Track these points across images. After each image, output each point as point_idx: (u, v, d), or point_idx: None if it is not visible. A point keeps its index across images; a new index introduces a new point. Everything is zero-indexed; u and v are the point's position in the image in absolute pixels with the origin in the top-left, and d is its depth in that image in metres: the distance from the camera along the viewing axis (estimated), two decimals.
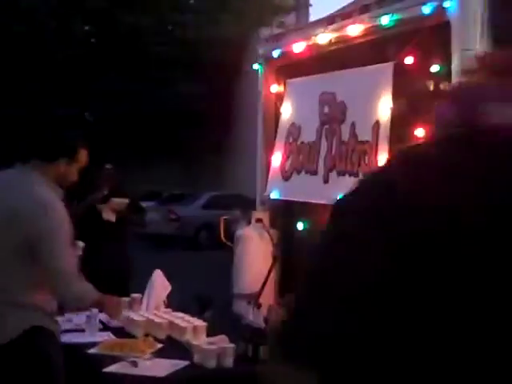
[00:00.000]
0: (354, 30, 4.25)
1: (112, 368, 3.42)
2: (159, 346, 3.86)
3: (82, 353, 3.77)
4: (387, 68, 3.92)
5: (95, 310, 4.25)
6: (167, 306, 4.72)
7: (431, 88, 3.68)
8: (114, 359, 3.62)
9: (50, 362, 3.21)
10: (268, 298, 4.82)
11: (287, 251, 4.86)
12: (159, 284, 4.72)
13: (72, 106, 24.71)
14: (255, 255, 4.87)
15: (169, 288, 4.75)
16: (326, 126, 4.43)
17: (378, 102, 3.98)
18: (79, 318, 4.20)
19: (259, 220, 4.93)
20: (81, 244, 3.66)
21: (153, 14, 25.06)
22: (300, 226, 4.67)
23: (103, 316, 4.26)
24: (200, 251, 16.14)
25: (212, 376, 3.40)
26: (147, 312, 4.50)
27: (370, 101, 4.05)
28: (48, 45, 24.38)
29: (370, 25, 4.13)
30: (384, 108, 3.93)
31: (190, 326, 4.03)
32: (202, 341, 3.90)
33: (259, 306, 4.62)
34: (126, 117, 25.47)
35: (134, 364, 3.44)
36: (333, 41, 4.45)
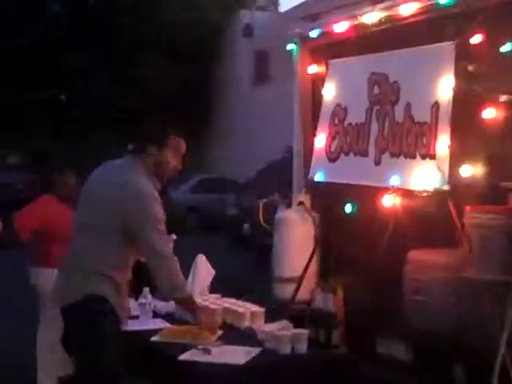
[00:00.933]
0: (408, 8, 4.17)
1: (185, 356, 3.33)
2: (220, 332, 3.78)
3: (144, 340, 3.68)
4: (449, 47, 3.85)
5: (149, 297, 4.17)
6: (210, 291, 4.64)
7: (502, 68, 3.62)
8: (178, 346, 3.54)
9: (98, 331, 3.32)
10: (310, 281, 4.77)
11: (330, 234, 4.81)
12: (203, 269, 4.63)
13: (43, 87, 24.37)
14: (297, 238, 4.79)
15: (213, 273, 4.66)
16: (377, 107, 4.35)
17: (437, 82, 3.91)
18: (131, 305, 4.09)
19: (301, 203, 4.86)
20: (174, 236, 3.63)
21: None
22: (347, 208, 4.60)
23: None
24: (189, 235, 16.00)
25: (289, 362, 3.33)
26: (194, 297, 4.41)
27: (428, 81, 3.98)
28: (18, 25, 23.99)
29: (426, 3, 4.06)
30: (445, 89, 3.87)
31: (248, 312, 3.96)
32: (261, 326, 3.83)
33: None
34: (100, 99, 25.10)
35: (207, 351, 3.36)
36: (382, 20, 4.37)
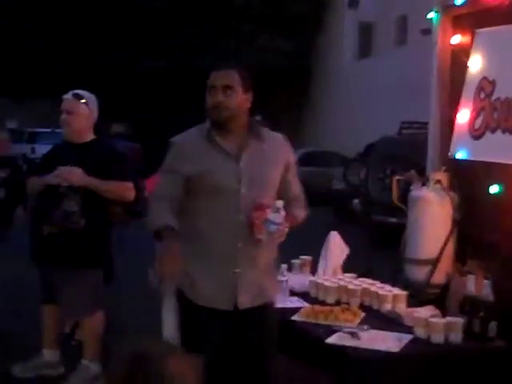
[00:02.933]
0: None
1: (333, 339, 3.19)
2: (363, 314, 3.62)
3: (283, 319, 3.56)
4: None
5: (286, 275, 4.05)
6: (344, 270, 4.47)
7: None
8: (320, 327, 3.41)
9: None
10: (445, 264, 4.54)
11: (471, 215, 4.54)
12: (336, 247, 4.47)
13: (156, 58, 24.71)
14: (434, 219, 4.53)
15: (346, 251, 4.49)
16: None
17: None
18: None
19: (438, 181, 4.60)
20: (280, 203, 3.32)
21: None
22: (492, 188, 4.31)
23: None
24: None
25: (442, 352, 3.14)
26: (327, 276, 4.27)
27: None
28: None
29: None
30: None
31: (391, 295, 3.78)
32: (406, 311, 3.65)
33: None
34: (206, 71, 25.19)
35: (355, 336, 3.20)
36: None
